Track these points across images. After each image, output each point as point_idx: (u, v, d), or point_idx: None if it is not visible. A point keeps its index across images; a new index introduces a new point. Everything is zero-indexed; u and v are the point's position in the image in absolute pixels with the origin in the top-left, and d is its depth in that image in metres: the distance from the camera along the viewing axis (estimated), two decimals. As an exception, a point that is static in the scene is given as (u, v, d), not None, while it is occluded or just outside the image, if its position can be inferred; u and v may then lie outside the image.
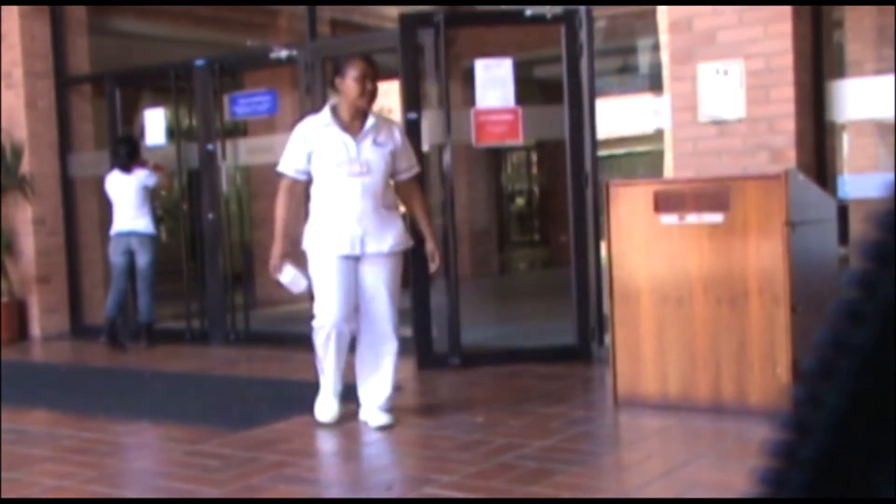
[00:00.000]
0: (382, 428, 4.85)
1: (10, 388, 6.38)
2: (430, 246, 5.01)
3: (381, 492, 3.92)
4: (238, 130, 9.29)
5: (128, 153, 8.21)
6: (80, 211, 9.42)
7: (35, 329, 9.18)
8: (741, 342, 4.83)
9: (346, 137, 4.74)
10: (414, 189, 5.11)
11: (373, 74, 4.91)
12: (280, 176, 4.87)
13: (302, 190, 4.89)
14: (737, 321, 4.84)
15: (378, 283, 4.79)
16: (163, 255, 8.85)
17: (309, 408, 5.09)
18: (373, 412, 4.91)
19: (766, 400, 4.71)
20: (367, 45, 9.08)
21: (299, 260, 4.99)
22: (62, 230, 9.33)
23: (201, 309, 8.59)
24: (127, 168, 8.17)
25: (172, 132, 9.03)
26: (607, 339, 5.51)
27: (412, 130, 7.05)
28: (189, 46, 10.25)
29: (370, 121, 4.81)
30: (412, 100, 7.09)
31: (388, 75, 9.90)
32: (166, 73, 8.80)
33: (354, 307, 4.82)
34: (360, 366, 4.93)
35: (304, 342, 7.93)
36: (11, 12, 9.01)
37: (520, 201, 18.11)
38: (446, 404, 5.68)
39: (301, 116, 8.40)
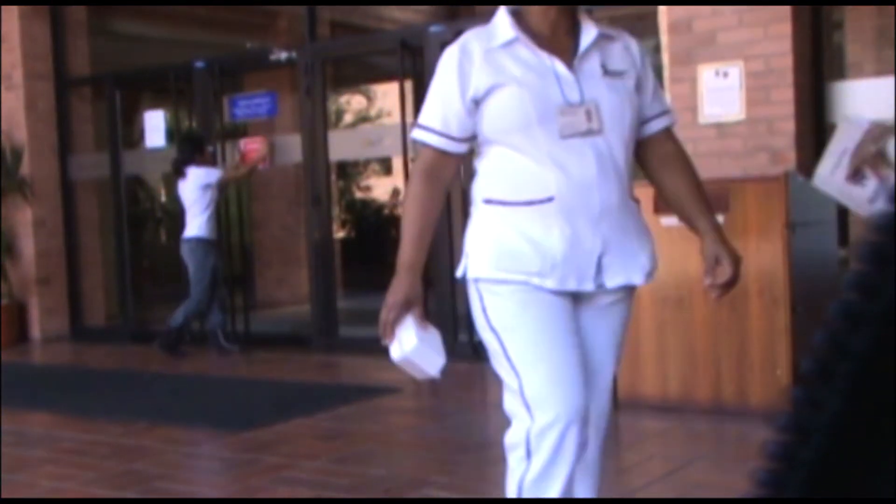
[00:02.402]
0: None
1: (10, 390, 6.37)
2: (714, 246, 2.54)
3: (380, 493, 3.92)
4: (238, 132, 9.29)
5: (180, 158, 7.78)
6: (80, 213, 9.42)
7: (35, 331, 9.18)
8: (741, 344, 4.83)
9: (554, 62, 2.41)
10: (674, 149, 2.65)
11: None
12: (417, 148, 2.63)
13: (454, 174, 2.59)
14: (737, 323, 4.84)
15: (610, 339, 2.57)
16: (162, 257, 8.82)
17: (309, 409, 5.09)
18: None
19: (767, 401, 4.71)
20: (367, 47, 9.11)
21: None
22: (62, 232, 9.33)
23: (200, 311, 8.58)
24: (181, 172, 7.72)
25: (172, 134, 9.03)
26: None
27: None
28: (189, 48, 10.25)
29: (589, 31, 2.46)
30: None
31: (389, 77, 9.93)
32: (166, 74, 8.81)
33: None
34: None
35: (303, 344, 7.95)
36: (11, 13, 9.01)
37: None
38: (446, 406, 5.69)
39: (301, 118, 8.50)
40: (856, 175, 2.67)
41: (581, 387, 2.42)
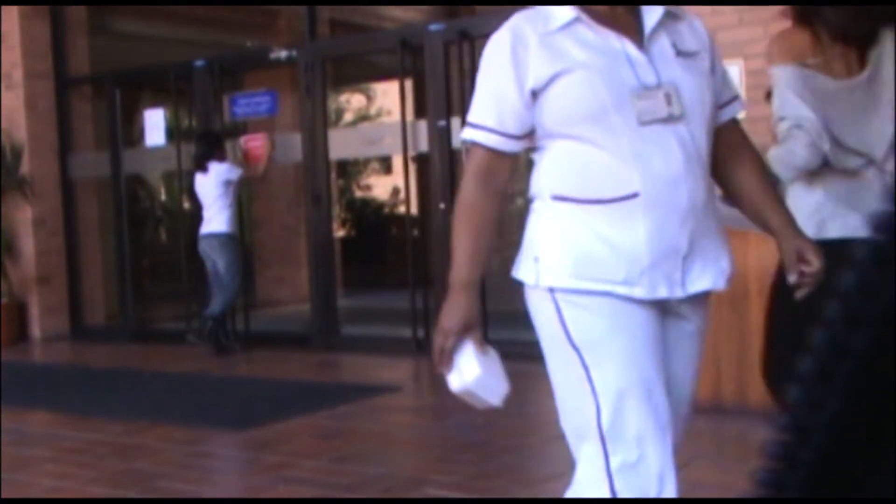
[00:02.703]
0: None
1: (10, 390, 6.38)
2: (794, 241, 2.29)
3: (380, 492, 3.92)
4: (238, 131, 9.29)
5: (202, 153, 7.74)
6: (80, 212, 9.42)
7: (35, 330, 9.18)
8: (741, 343, 4.83)
9: (624, 43, 2.13)
10: (743, 139, 2.37)
11: None
12: (466, 148, 2.29)
13: (510, 176, 2.25)
14: (736, 322, 4.84)
15: (692, 353, 2.29)
16: (162, 256, 8.80)
17: (309, 407, 5.09)
18: None
19: (766, 401, 4.71)
20: (367, 46, 9.11)
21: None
22: (62, 231, 9.33)
23: (200, 310, 8.58)
24: (202, 167, 7.70)
25: (172, 133, 9.03)
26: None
27: (443, 139, 7.08)
28: (189, 47, 10.25)
29: (653, 8, 2.17)
30: (441, 107, 7.12)
31: (389, 76, 9.93)
32: (166, 73, 8.81)
33: None
34: None
35: (303, 342, 7.95)
36: (11, 13, 9.01)
37: (519, 201, 18.13)
38: (446, 404, 5.69)
39: (301, 117, 8.50)
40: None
41: (670, 418, 2.15)
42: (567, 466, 4.16)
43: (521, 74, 2.11)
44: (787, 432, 0.52)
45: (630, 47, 2.12)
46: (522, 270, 2.19)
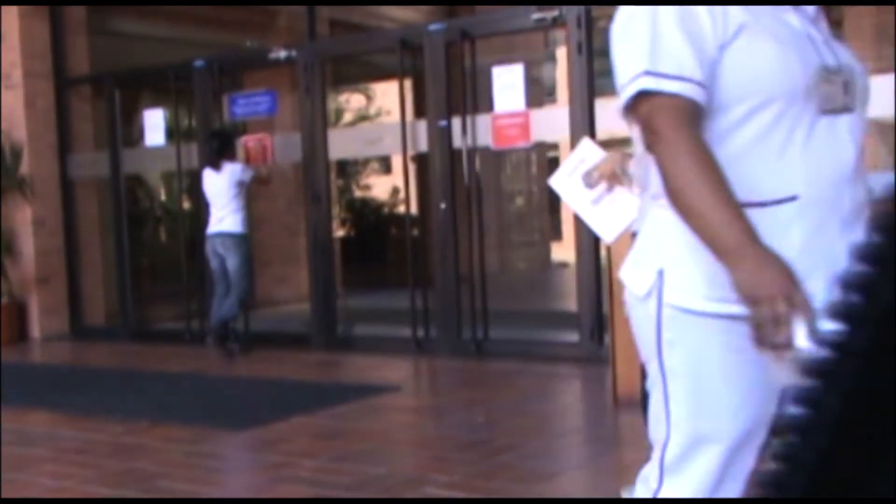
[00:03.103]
0: None
1: (10, 390, 6.38)
2: None
3: (380, 491, 3.92)
4: (238, 131, 9.29)
5: (217, 149, 7.69)
6: (79, 212, 9.41)
7: (35, 330, 9.18)
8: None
9: (801, 16, 1.83)
10: None
11: None
12: (646, 99, 1.69)
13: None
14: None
15: None
16: (162, 256, 8.78)
17: (308, 407, 5.08)
18: None
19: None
20: (366, 46, 9.12)
21: None
22: (62, 231, 9.33)
23: (200, 309, 8.58)
24: (216, 165, 7.65)
25: (172, 133, 9.02)
26: (607, 338, 5.51)
27: (443, 139, 7.10)
28: (188, 47, 10.24)
29: None
30: (441, 107, 7.13)
31: (389, 76, 9.93)
32: (166, 73, 8.81)
33: None
34: None
35: (303, 342, 7.95)
36: (11, 12, 9.01)
37: (519, 201, 18.13)
38: (446, 404, 5.69)
39: (301, 117, 8.48)
40: (588, 179, 3.09)
41: (745, 472, 1.80)
42: (566, 464, 4.17)
43: (716, 16, 1.71)
44: (788, 432, 0.52)
45: (806, 22, 1.80)
46: (635, 278, 1.85)
